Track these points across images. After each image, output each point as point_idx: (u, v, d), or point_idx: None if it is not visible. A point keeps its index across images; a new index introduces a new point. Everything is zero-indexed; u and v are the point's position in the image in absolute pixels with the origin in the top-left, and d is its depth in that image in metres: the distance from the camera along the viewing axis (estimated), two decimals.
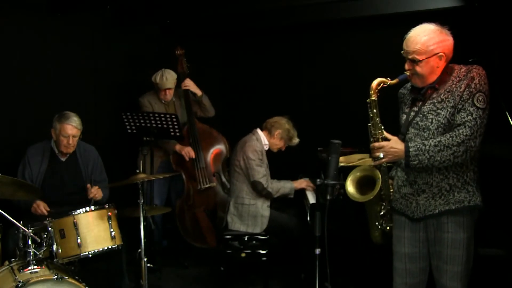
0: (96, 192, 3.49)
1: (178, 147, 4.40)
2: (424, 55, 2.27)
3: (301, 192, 3.94)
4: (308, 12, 4.60)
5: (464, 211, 2.32)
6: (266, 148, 3.91)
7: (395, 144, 2.36)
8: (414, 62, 2.30)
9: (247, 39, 5.50)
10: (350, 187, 2.58)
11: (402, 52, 2.36)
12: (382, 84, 2.41)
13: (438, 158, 2.23)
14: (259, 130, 3.94)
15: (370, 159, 3.73)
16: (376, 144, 2.40)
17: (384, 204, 2.57)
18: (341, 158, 3.19)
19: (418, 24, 2.38)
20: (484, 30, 3.95)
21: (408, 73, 2.36)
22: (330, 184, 2.48)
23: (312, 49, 5.17)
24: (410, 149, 2.28)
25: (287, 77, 5.31)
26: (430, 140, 2.27)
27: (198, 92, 4.52)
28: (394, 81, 2.41)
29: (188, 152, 4.40)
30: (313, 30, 5.03)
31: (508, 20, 3.75)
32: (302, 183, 3.94)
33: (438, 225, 2.36)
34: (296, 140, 3.97)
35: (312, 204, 3.63)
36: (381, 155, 2.37)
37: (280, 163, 4.22)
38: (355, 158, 3.89)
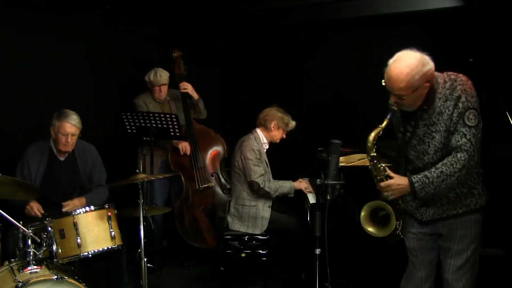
0: (72, 206, 3.35)
1: (175, 141, 4.41)
2: (409, 90, 2.22)
3: (301, 192, 3.93)
4: (308, 12, 4.60)
5: (471, 212, 2.37)
6: (265, 147, 3.90)
7: (399, 180, 2.37)
8: (400, 97, 2.26)
9: (247, 39, 5.50)
10: (368, 227, 2.56)
11: (384, 84, 2.28)
12: (376, 136, 2.38)
13: (444, 186, 2.26)
14: (257, 129, 3.93)
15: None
16: (383, 184, 2.40)
17: (400, 221, 2.58)
18: (341, 158, 3.18)
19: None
20: (484, 30, 3.95)
21: (394, 107, 2.33)
22: (330, 184, 2.48)
23: (311, 49, 5.17)
24: (415, 184, 2.30)
25: (287, 77, 5.31)
26: (432, 171, 2.27)
27: (195, 96, 4.53)
28: (385, 122, 2.36)
29: (184, 147, 4.42)
30: (313, 30, 5.03)
31: (508, 20, 3.75)
32: (301, 183, 3.93)
33: (448, 225, 2.41)
34: (292, 124, 3.92)
35: (312, 204, 3.63)
36: (389, 194, 2.39)
37: (280, 163, 4.22)
38: (355, 158, 3.89)
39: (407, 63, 2.19)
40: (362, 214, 2.57)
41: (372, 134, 2.38)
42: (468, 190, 2.36)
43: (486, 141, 2.33)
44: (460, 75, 2.29)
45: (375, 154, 2.40)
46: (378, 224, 2.57)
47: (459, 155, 2.22)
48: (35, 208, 3.26)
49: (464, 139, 2.21)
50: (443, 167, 2.25)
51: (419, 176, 2.31)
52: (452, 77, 2.29)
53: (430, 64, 2.23)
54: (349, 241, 3.47)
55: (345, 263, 3.50)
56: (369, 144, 2.38)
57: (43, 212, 3.26)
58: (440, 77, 2.30)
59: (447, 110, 2.25)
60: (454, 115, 2.23)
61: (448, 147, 2.28)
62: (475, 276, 2.43)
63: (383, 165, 2.42)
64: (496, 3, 3.88)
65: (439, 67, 2.32)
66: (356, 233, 3.34)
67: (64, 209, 3.32)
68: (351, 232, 3.38)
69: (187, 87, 4.49)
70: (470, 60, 3.02)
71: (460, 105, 2.22)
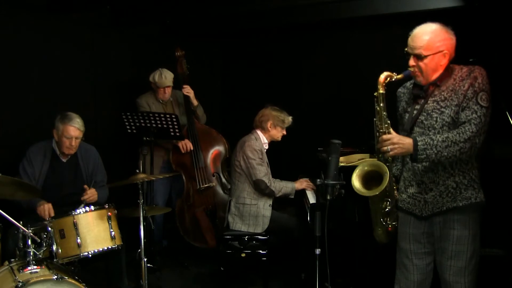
0: (91, 195, 3.42)
1: (175, 140, 4.41)
2: (429, 51, 2.30)
3: (301, 192, 3.94)
4: (308, 12, 4.60)
5: (471, 208, 2.36)
6: (266, 147, 3.90)
7: (402, 137, 2.36)
8: (419, 58, 2.33)
9: (247, 39, 5.50)
10: (356, 182, 2.54)
11: (406, 48, 2.37)
12: (389, 78, 2.39)
13: (445, 154, 2.25)
14: (258, 130, 3.94)
15: (371, 159, 3.73)
16: (385, 136, 2.36)
17: (389, 200, 2.57)
18: (341, 158, 3.19)
19: (418, 24, 2.38)
20: (484, 30, 3.95)
21: (412, 70, 2.37)
22: (330, 184, 2.48)
23: (312, 49, 5.18)
24: (419, 143, 2.28)
25: (287, 77, 5.32)
26: (438, 136, 2.28)
27: (195, 102, 4.54)
28: (400, 76, 2.40)
29: (185, 144, 4.41)
30: (313, 30, 5.03)
31: (508, 20, 3.75)
32: (302, 183, 3.94)
33: (445, 222, 2.39)
34: (289, 119, 3.91)
35: (312, 204, 3.63)
36: (389, 148, 2.34)
37: (280, 163, 4.22)
38: (355, 158, 3.89)
39: (433, 25, 2.34)
40: (360, 168, 2.54)
41: (383, 75, 2.38)
42: (469, 182, 2.35)
43: (487, 141, 2.33)
44: (477, 66, 2.37)
45: (383, 92, 2.38)
46: (367, 188, 2.54)
47: (467, 127, 2.24)
48: (48, 210, 3.22)
49: (474, 115, 2.25)
50: (449, 133, 2.27)
51: (423, 136, 2.32)
52: (470, 66, 2.38)
53: (453, 36, 2.35)
54: (349, 241, 3.47)
55: (345, 263, 3.49)
56: (379, 85, 2.38)
57: (52, 215, 3.20)
58: (457, 66, 2.40)
59: (462, 87, 2.30)
60: (469, 92, 2.27)
61: (456, 124, 2.29)
62: (476, 277, 2.41)
63: (389, 121, 2.39)
64: (496, 3, 3.88)
65: None
66: (356, 233, 3.35)
67: (85, 197, 3.38)
68: (351, 232, 3.38)
69: (190, 92, 4.49)
70: (470, 60, 3.02)
71: (476, 84, 2.28)
